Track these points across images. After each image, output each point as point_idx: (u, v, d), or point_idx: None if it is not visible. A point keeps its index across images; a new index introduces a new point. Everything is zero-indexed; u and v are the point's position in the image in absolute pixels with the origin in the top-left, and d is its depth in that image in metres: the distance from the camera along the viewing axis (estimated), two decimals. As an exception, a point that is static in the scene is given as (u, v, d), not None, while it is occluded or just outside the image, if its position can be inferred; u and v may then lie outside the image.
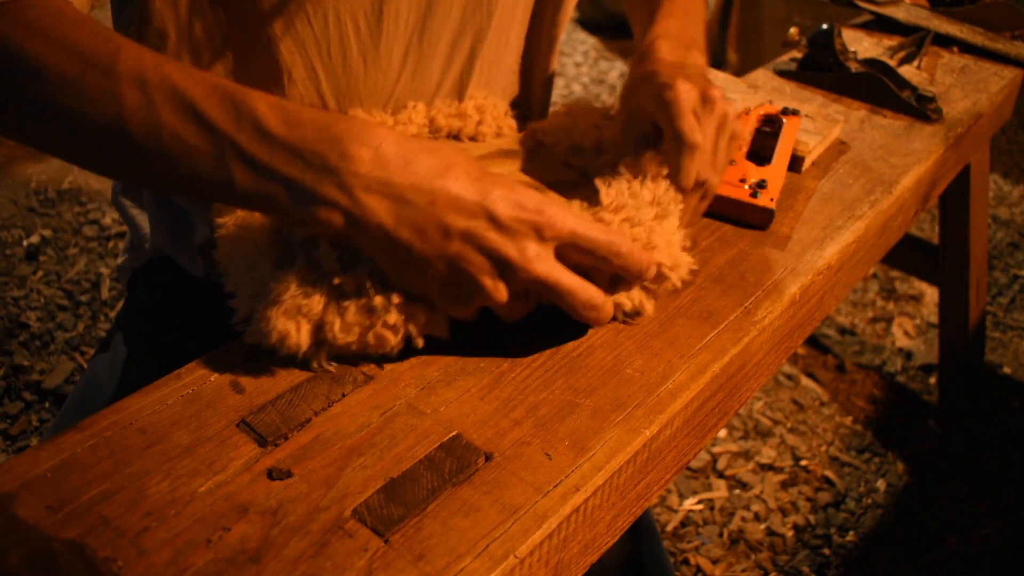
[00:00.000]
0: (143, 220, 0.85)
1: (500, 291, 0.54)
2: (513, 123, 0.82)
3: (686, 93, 0.64)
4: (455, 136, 0.80)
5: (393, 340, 0.55)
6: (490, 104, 0.81)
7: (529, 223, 0.53)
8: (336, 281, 0.54)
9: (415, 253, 0.52)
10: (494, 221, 0.52)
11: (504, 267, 0.53)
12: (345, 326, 0.54)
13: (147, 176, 0.54)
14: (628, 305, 0.61)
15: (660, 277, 0.60)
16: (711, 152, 0.65)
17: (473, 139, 0.80)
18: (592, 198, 0.63)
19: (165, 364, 0.57)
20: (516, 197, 0.53)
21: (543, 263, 0.53)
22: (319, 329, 0.54)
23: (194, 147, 0.50)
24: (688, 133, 0.63)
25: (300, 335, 0.53)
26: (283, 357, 0.56)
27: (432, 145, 0.54)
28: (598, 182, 0.63)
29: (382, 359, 0.57)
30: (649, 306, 0.62)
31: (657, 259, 0.59)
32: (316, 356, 0.55)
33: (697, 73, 0.68)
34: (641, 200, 0.61)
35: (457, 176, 0.52)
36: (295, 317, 0.53)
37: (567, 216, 0.54)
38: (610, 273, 0.58)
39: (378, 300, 0.54)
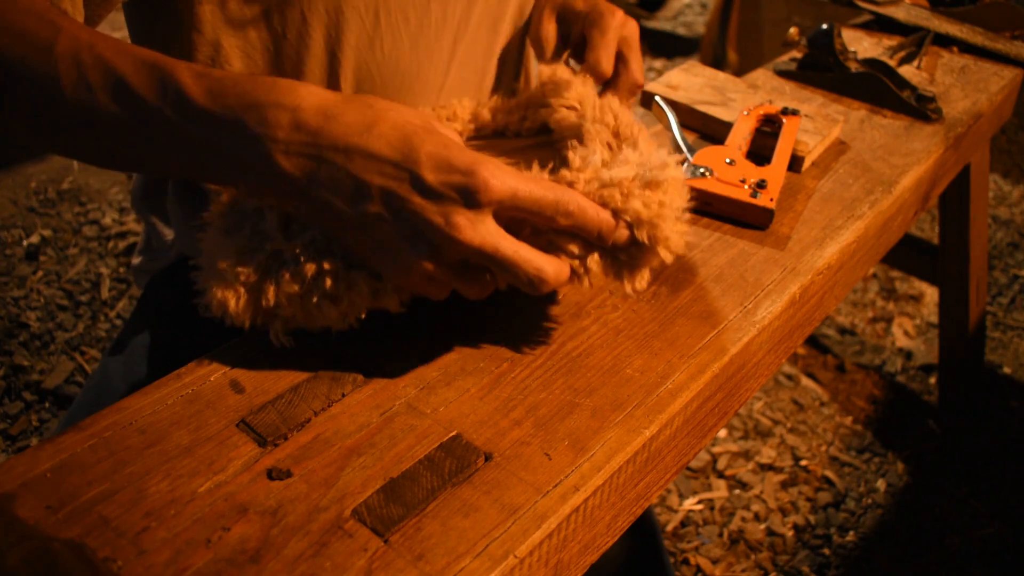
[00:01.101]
0: (163, 227, 0.85)
1: (425, 262, 0.50)
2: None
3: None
4: (501, 133, 0.75)
5: (334, 311, 0.53)
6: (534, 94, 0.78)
7: (457, 186, 0.48)
8: (271, 247, 0.53)
9: (335, 215, 0.50)
10: (417, 183, 0.49)
11: (431, 234, 0.49)
12: (281, 293, 0.53)
13: (87, 152, 0.55)
14: (589, 270, 0.54)
15: (639, 245, 0.54)
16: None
17: (518, 135, 0.75)
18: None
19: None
20: (446, 155, 0.49)
21: (473, 230, 0.49)
22: (258, 298, 0.54)
23: (126, 122, 0.51)
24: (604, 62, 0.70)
25: (239, 305, 0.53)
26: (283, 357, 0.56)
27: (364, 100, 0.51)
28: (570, 142, 0.58)
29: (382, 360, 0.57)
30: (628, 286, 0.56)
31: (639, 223, 0.53)
32: (271, 329, 0.55)
33: None
34: (620, 161, 0.55)
35: (381, 133, 0.49)
36: (233, 285, 0.53)
37: (504, 175, 0.49)
38: (575, 238, 0.53)
39: (309, 267, 0.52)
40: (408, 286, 0.53)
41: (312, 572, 0.43)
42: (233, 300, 0.53)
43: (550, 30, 0.77)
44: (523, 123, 0.74)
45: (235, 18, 0.67)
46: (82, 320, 1.75)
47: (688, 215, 0.57)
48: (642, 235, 0.54)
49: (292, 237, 0.54)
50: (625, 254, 0.55)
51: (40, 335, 1.70)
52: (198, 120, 0.50)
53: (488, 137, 0.76)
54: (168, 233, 0.85)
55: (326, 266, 0.53)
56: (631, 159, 0.56)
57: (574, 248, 0.54)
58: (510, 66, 0.86)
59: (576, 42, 0.76)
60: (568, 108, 0.66)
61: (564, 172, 0.54)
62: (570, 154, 0.56)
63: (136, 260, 0.89)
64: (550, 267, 0.51)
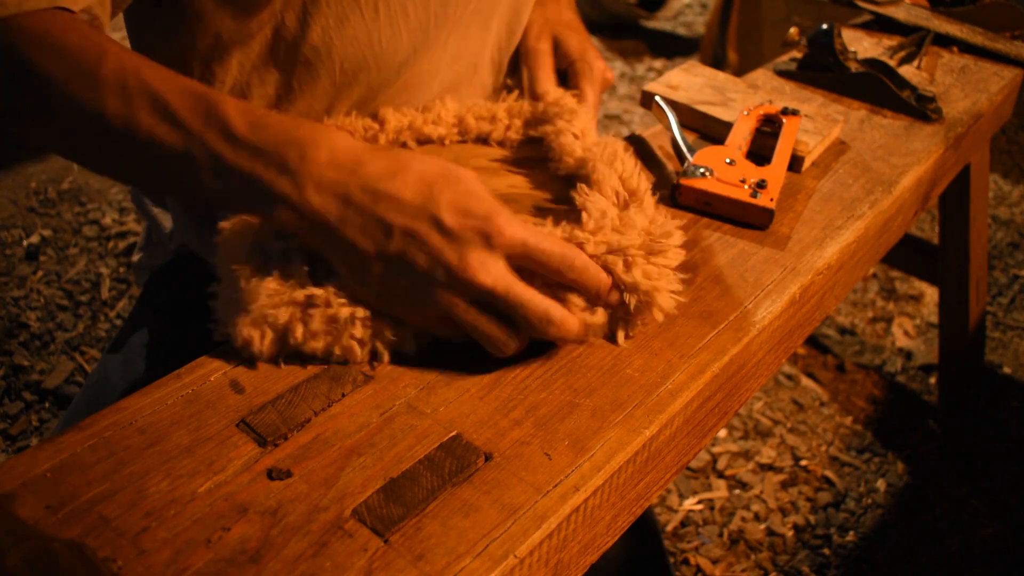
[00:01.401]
0: (164, 218, 0.85)
1: (440, 299, 0.53)
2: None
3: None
4: (483, 139, 0.80)
5: (360, 353, 0.56)
6: (517, 107, 0.81)
7: (475, 229, 0.52)
8: (304, 295, 0.55)
9: (359, 252, 0.53)
10: (438, 225, 0.52)
11: (448, 273, 0.53)
12: (310, 333, 0.55)
13: (123, 172, 0.59)
14: (595, 323, 0.59)
15: (627, 307, 0.58)
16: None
17: (501, 144, 0.80)
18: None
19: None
20: (464, 203, 0.53)
21: (488, 272, 0.52)
22: (284, 337, 0.55)
23: (166, 145, 0.53)
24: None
25: (264, 343, 0.55)
26: (283, 359, 0.56)
27: (391, 150, 0.55)
28: (577, 197, 0.62)
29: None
30: (620, 336, 0.60)
31: (640, 288, 0.57)
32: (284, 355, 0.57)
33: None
34: (628, 224, 0.59)
35: (405, 180, 0.53)
36: (261, 326, 0.55)
37: (516, 226, 0.53)
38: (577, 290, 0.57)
39: (344, 312, 0.55)
40: (423, 324, 0.56)
41: (312, 572, 0.43)
42: (259, 339, 0.55)
43: (545, 50, 0.84)
44: (507, 132, 0.80)
45: (238, 10, 0.68)
46: (82, 320, 1.75)
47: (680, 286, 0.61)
48: (633, 301, 0.58)
49: (320, 281, 0.56)
50: (621, 311, 0.59)
51: (40, 335, 1.70)
52: (240, 150, 0.53)
53: (472, 142, 0.81)
54: (168, 224, 0.85)
55: (359, 314, 0.55)
56: (638, 223, 0.60)
57: (578, 302, 0.57)
58: (502, 66, 0.86)
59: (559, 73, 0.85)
60: (574, 136, 0.73)
61: (577, 232, 0.58)
62: (584, 215, 0.60)
63: (136, 257, 0.89)
64: (556, 311, 0.54)
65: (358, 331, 0.55)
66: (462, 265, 0.52)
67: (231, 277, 0.58)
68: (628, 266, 0.58)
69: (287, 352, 0.56)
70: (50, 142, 0.58)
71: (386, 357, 0.57)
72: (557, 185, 0.74)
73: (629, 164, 0.66)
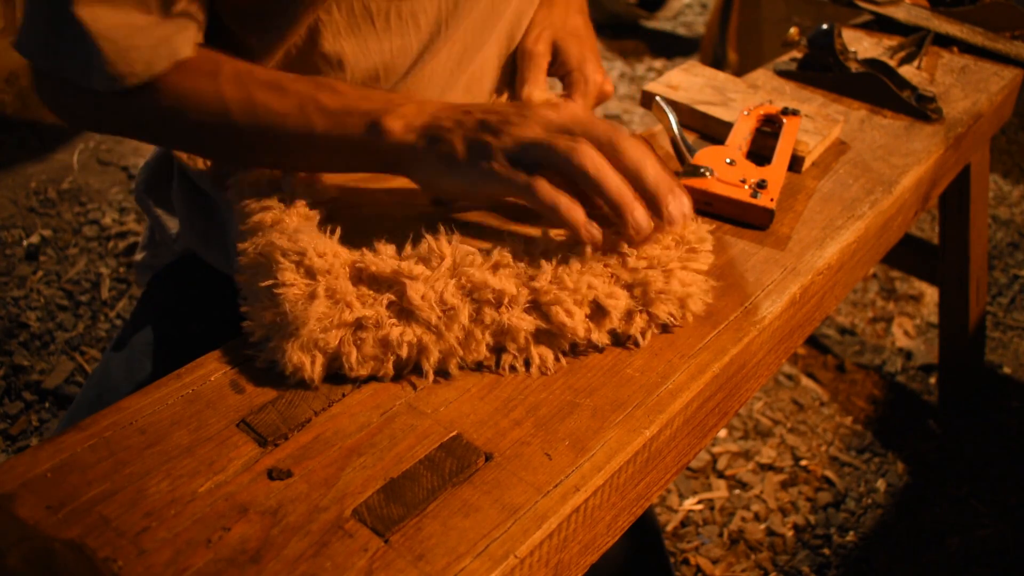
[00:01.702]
0: (167, 219, 0.85)
1: (495, 158, 0.59)
2: None
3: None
4: None
5: (404, 370, 0.56)
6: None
7: (545, 118, 0.61)
8: (353, 316, 0.54)
9: (445, 139, 0.61)
10: (512, 105, 0.63)
11: (507, 124, 0.60)
12: (361, 359, 0.54)
13: (245, 149, 0.67)
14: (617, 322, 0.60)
15: (657, 315, 0.60)
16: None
17: None
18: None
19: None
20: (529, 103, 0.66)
21: (531, 130, 0.60)
22: (334, 361, 0.55)
23: (280, 111, 0.63)
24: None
25: (314, 368, 0.54)
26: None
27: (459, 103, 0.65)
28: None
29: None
30: (648, 336, 0.61)
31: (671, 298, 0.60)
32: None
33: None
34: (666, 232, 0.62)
35: (471, 106, 0.63)
36: (311, 351, 0.54)
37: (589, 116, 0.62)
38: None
39: (395, 332, 0.54)
40: (488, 191, 0.61)
41: (312, 572, 0.43)
42: (309, 364, 0.54)
43: (541, 52, 0.83)
44: None
45: (260, 29, 0.69)
46: (82, 320, 1.75)
47: (710, 297, 0.64)
48: (668, 310, 0.61)
49: (367, 303, 0.55)
50: (652, 317, 0.61)
51: (40, 335, 1.70)
52: (347, 99, 0.63)
53: None
54: (173, 225, 0.85)
55: (407, 336, 0.54)
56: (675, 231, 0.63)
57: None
58: (503, 71, 0.86)
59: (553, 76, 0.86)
60: None
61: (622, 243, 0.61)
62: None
63: (139, 256, 0.89)
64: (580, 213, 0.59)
65: (405, 351, 0.55)
66: (520, 120, 0.60)
67: (269, 298, 0.56)
68: (668, 276, 0.60)
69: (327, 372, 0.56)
70: (184, 148, 0.74)
71: (430, 377, 0.56)
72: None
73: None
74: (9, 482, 0.47)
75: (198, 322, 0.81)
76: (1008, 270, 2.11)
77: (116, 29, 0.61)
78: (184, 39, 0.65)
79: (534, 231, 0.66)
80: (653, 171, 0.60)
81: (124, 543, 0.44)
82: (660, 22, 3.42)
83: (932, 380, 1.76)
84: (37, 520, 0.45)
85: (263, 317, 0.56)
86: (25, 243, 1.94)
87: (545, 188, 0.58)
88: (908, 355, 1.83)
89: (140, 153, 2.30)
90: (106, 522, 0.45)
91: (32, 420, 1.53)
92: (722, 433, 1.61)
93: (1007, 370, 1.80)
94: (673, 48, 3.23)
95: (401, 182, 0.70)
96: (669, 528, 1.42)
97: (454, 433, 0.52)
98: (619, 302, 0.59)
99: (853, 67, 1.01)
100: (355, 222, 0.65)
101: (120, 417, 0.51)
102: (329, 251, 0.57)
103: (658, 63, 3.09)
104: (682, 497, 1.48)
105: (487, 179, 0.60)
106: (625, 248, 0.61)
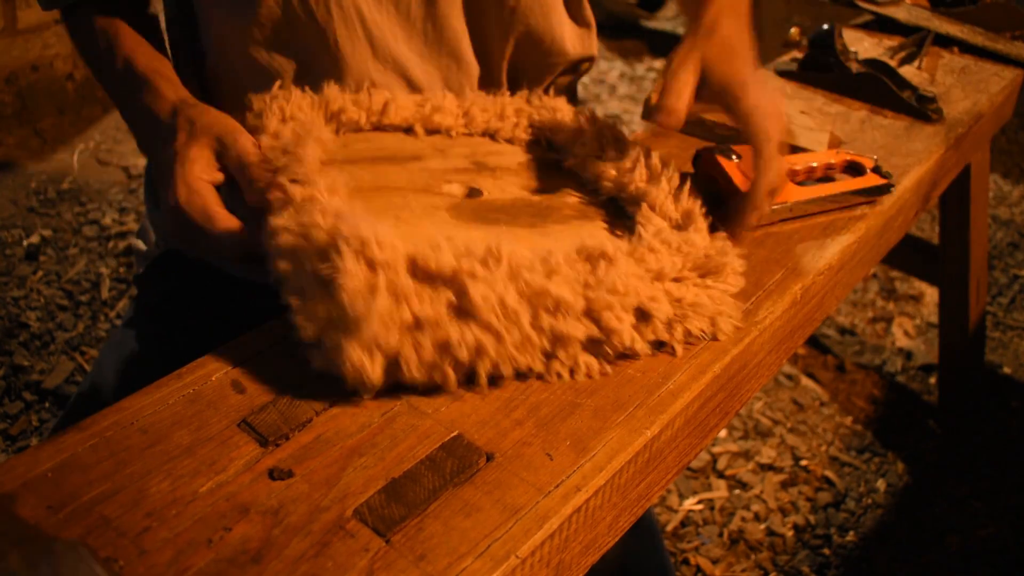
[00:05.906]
0: (156, 218, 0.86)
1: None
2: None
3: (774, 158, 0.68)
4: (491, 135, 0.79)
5: (452, 378, 0.54)
6: (524, 108, 0.80)
7: None
8: (412, 315, 0.51)
9: None
10: None
11: None
12: (420, 364, 0.52)
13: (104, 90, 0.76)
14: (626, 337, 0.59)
15: (687, 328, 0.61)
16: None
17: (510, 142, 0.79)
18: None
19: (175, 361, 0.57)
20: None
21: None
22: (394, 365, 0.52)
23: (109, 84, 0.74)
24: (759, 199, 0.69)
25: (375, 369, 0.51)
26: (284, 359, 0.56)
27: None
28: (641, 220, 0.66)
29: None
30: (679, 348, 0.61)
31: (692, 323, 0.60)
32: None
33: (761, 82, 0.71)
34: (690, 244, 0.63)
35: None
36: (372, 351, 0.51)
37: None
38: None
39: (455, 333, 0.52)
40: None
41: (314, 572, 0.43)
42: (369, 364, 0.51)
43: (686, 81, 0.73)
44: (515, 129, 0.79)
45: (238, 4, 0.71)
46: (82, 320, 1.75)
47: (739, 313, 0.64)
48: (700, 325, 0.61)
49: (426, 301, 0.52)
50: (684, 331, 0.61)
51: (40, 335, 1.70)
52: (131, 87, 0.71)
53: (479, 135, 0.80)
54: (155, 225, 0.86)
55: (467, 337, 0.52)
56: (698, 243, 0.63)
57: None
58: (490, 57, 0.86)
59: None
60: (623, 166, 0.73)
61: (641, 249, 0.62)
62: (654, 239, 0.63)
63: (138, 243, 0.90)
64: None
65: (463, 353, 0.52)
66: None
67: (319, 286, 0.52)
68: (700, 292, 0.61)
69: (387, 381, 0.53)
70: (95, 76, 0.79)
71: (484, 384, 0.54)
72: (560, 182, 0.74)
73: (683, 186, 0.69)
74: (9, 482, 0.47)
75: (181, 319, 0.82)
76: (1008, 270, 2.11)
77: None
78: None
79: (560, 226, 0.67)
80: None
81: (125, 543, 0.44)
82: (660, 22, 3.42)
83: (932, 380, 1.76)
84: (38, 520, 0.45)
85: (316, 310, 0.52)
86: (25, 243, 1.94)
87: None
88: (908, 355, 1.83)
89: (140, 153, 2.30)
90: (107, 522, 0.45)
91: (32, 420, 1.53)
92: (722, 433, 1.61)
93: (1007, 370, 1.80)
94: (673, 48, 3.23)
95: (420, 164, 0.70)
96: (669, 528, 1.42)
97: (455, 433, 0.52)
98: (661, 306, 0.59)
99: (854, 67, 1.01)
100: (377, 207, 0.62)
101: (121, 417, 0.51)
102: (387, 242, 0.52)
103: (658, 63, 3.09)
104: (682, 497, 1.48)
105: None
106: (666, 264, 0.61)
